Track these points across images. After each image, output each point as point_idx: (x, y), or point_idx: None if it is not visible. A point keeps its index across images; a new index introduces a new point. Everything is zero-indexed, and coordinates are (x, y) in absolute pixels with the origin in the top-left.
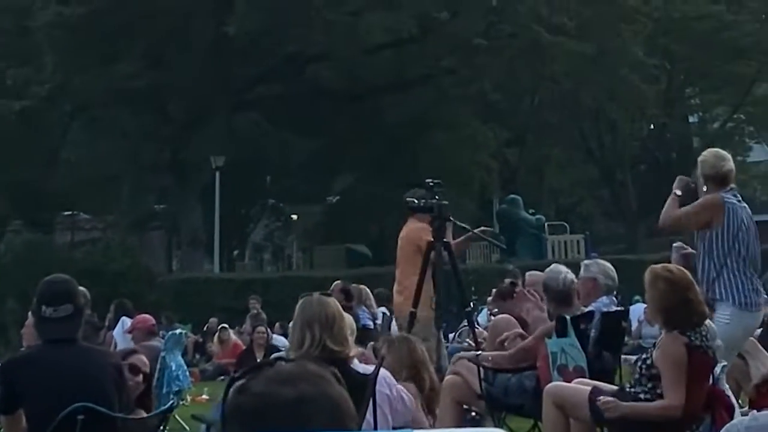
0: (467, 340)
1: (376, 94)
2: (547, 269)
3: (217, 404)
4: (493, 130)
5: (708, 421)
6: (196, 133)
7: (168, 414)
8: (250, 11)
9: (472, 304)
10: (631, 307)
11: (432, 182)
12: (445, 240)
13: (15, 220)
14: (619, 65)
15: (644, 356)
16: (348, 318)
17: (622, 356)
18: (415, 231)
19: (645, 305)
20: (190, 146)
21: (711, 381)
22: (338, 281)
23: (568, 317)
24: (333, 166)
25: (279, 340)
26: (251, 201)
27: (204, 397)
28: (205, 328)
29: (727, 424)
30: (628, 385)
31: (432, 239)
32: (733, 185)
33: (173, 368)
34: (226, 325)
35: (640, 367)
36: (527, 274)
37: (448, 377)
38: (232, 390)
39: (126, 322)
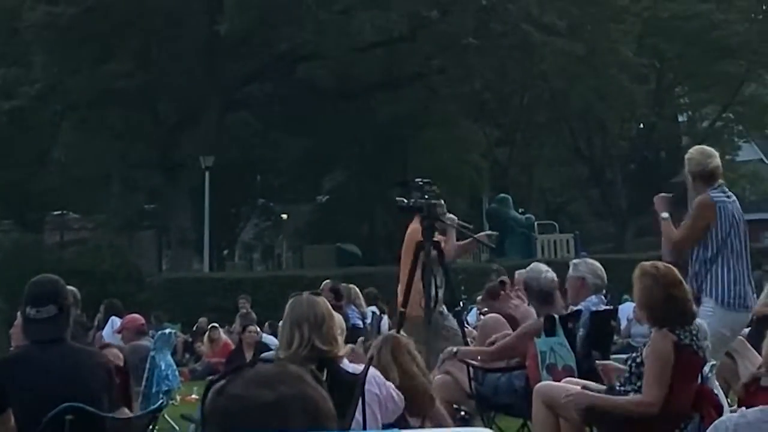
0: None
1: (367, 93)
2: (528, 268)
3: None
4: (483, 130)
5: (696, 420)
6: (187, 133)
7: (157, 413)
8: (240, 10)
9: (461, 303)
10: (620, 306)
11: (422, 181)
12: (434, 239)
13: (4, 220)
14: (608, 65)
15: (634, 355)
16: (338, 317)
17: (611, 355)
18: (417, 230)
19: (634, 304)
20: (180, 146)
21: (700, 380)
22: (328, 281)
23: (556, 316)
24: (323, 165)
25: (268, 339)
26: (241, 200)
27: (193, 396)
28: (194, 328)
29: (716, 421)
30: (618, 384)
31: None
32: (720, 181)
33: (162, 368)
34: (216, 325)
35: (630, 366)
36: (516, 272)
37: (438, 377)
38: (211, 392)
39: (115, 321)
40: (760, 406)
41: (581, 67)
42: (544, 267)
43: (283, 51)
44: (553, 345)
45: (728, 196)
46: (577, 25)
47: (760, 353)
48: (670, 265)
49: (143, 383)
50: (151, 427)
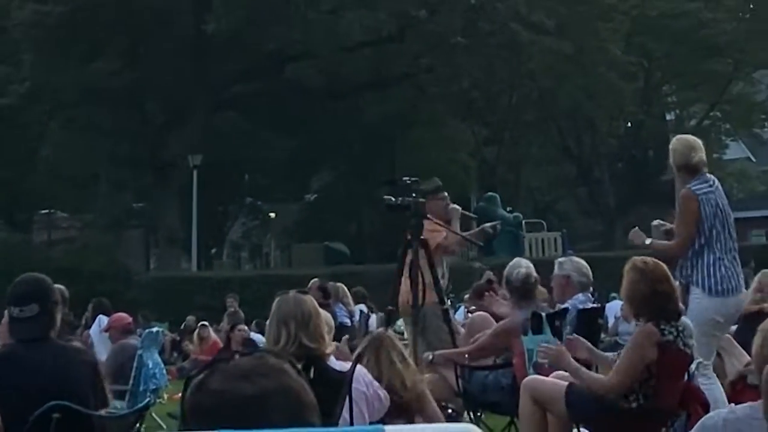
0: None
1: (355, 93)
2: (509, 264)
3: None
4: (471, 128)
5: (683, 417)
6: (175, 132)
7: (144, 412)
8: (228, 9)
9: (449, 301)
10: (608, 304)
11: (409, 180)
12: (422, 237)
13: None
14: (596, 63)
15: (620, 352)
16: (326, 315)
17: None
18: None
19: (622, 302)
20: (168, 145)
21: (687, 378)
22: (316, 279)
23: (543, 314)
24: (311, 164)
25: (256, 337)
26: (229, 199)
27: (181, 395)
28: (182, 327)
29: (705, 417)
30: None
31: (434, 230)
32: (704, 170)
33: (150, 366)
34: (206, 323)
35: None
36: (505, 271)
37: (425, 375)
38: (190, 387)
39: (103, 320)
40: (749, 403)
41: (569, 66)
42: (524, 262)
43: (271, 50)
44: (540, 343)
45: (710, 185)
46: (566, 24)
47: (747, 350)
48: (659, 261)
49: (131, 381)
50: (138, 425)
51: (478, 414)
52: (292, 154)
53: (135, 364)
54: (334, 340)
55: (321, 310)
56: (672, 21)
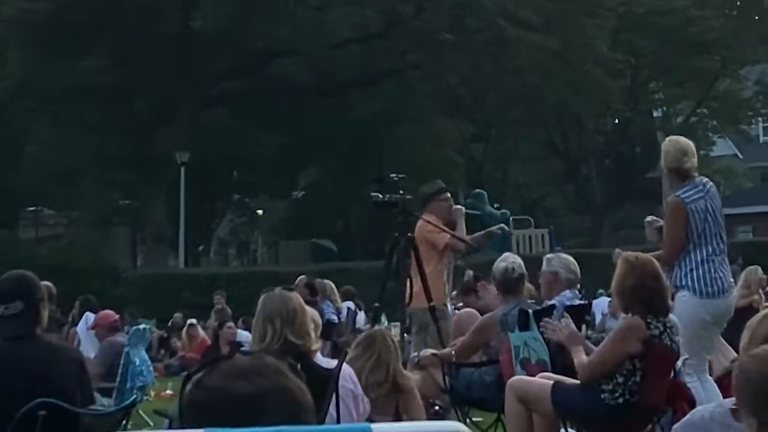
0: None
1: (343, 90)
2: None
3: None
4: (458, 125)
5: (669, 414)
6: (162, 129)
7: (131, 409)
8: (216, 6)
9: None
10: (595, 301)
11: (396, 177)
12: (409, 234)
13: None
14: (584, 60)
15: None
16: (312, 312)
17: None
18: (421, 226)
19: (609, 299)
20: (155, 142)
21: (673, 374)
22: (303, 276)
23: (530, 311)
24: (299, 161)
25: (242, 335)
26: (216, 196)
27: (168, 392)
28: (169, 324)
29: (693, 410)
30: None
31: (440, 230)
32: (694, 174)
33: (137, 363)
34: (194, 322)
35: None
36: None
37: (412, 372)
38: (189, 384)
39: (90, 317)
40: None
41: (556, 63)
42: (511, 257)
43: (259, 47)
44: (527, 340)
45: (700, 190)
46: (553, 21)
47: (735, 346)
48: (651, 258)
49: (117, 379)
50: (124, 422)
51: (466, 411)
52: (280, 151)
53: (122, 362)
54: (321, 337)
55: (307, 307)
56: (659, 18)
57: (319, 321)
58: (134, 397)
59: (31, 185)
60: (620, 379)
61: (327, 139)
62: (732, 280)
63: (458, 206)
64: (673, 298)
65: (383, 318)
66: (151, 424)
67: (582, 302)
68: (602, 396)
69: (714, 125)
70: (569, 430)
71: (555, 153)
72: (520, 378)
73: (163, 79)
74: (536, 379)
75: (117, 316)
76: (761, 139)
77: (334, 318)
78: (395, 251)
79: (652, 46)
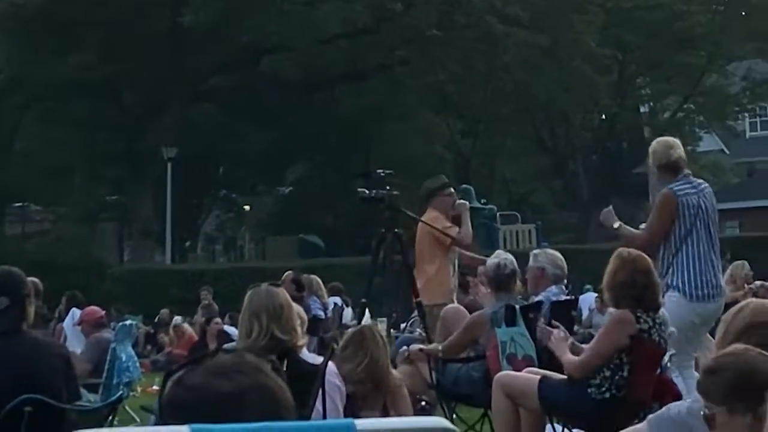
0: (418, 329)
1: (331, 85)
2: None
3: None
4: (446, 121)
5: (656, 409)
6: (151, 124)
7: (117, 405)
8: (205, 2)
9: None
10: (582, 296)
11: (383, 173)
12: (395, 231)
13: None
14: (571, 56)
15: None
16: (297, 308)
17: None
18: (432, 219)
19: (596, 294)
20: (143, 137)
21: (660, 370)
22: (289, 271)
23: (517, 306)
24: (286, 156)
25: (229, 330)
26: (203, 192)
27: (155, 387)
28: (156, 319)
29: (669, 404)
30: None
31: (447, 226)
32: (687, 171)
33: (123, 359)
34: (178, 321)
35: None
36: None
37: (400, 367)
38: (169, 382)
39: (76, 313)
40: None
41: (545, 59)
42: (503, 254)
43: (247, 43)
44: (514, 335)
45: (694, 187)
46: (541, 17)
47: None
48: (644, 255)
49: (104, 375)
50: (110, 417)
51: (452, 406)
52: (268, 146)
53: (108, 357)
54: (308, 332)
55: (293, 303)
56: (646, 13)
57: (305, 317)
58: (120, 393)
59: (18, 181)
60: (607, 374)
61: (315, 135)
62: (723, 283)
63: (462, 201)
64: (664, 295)
65: (367, 314)
66: (138, 420)
67: (568, 298)
68: (589, 391)
69: (701, 121)
70: (555, 425)
71: (542, 149)
72: (506, 373)
73: (152, 74)
74: (523, 374)
75: (103, 312)
76: (748, 134)
77: (321, 314)
78: (382, 247)
79: (639, 42)
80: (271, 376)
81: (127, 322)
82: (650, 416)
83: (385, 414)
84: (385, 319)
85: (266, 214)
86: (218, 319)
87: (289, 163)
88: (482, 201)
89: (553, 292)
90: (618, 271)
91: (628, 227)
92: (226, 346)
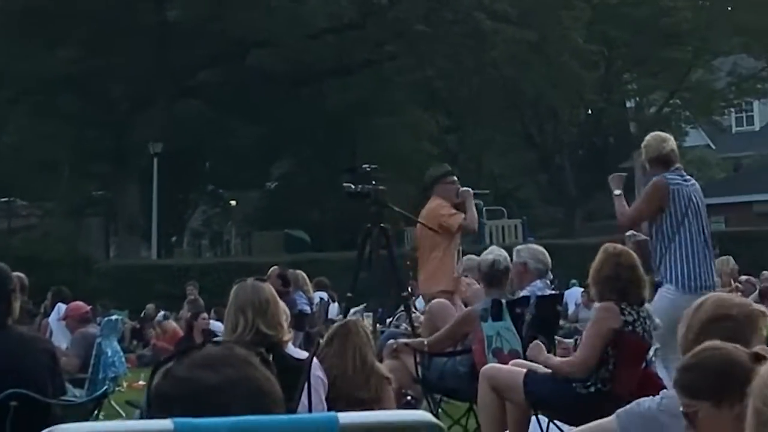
0: (404, 324)
1: (318, 80)
2: (484, 251)
3: None
4: (433, 117)
5: None
6: (137, 119)
7: (103, 399)
8: None
9: (409, 288)
10: (568, 291)
11: (369, 167)
12: (382, 225)
13: None
14: (559, 52)
15: (581, 336)
16: (281, 304)
17: (557, 339)
18: (432, 210)
19: (582, 289)
20: (130, 132)
21: (645, 364)
22: (275, 267)
23: (503, 301)
24: (273, 151)
25: (215, 325)
26: (189, 187)
27: (140, 382)
28: (142, 315)
29: (639, 400)
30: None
31: (453, 213)
32: (678, 165)
33: (109, 354)
34: (161, 318)
35: (576, 345)
36: (464, 258)
37: (386, 362)
38: (157, 374)
39: (62, 308)
40: None
41: (533, 55)
42: (496, 250)
43: (234, 38)
44: (500, 329)
45: (686, 180)
46: (529, 13)
47: None
48: (630, 251)
49: (89, 369)
50: (96, 412)
51: (438, 401)
52: (254, 141)
53: (94, 352)
54: (294, 327)
55: (278, 299)
56: (632, 9)
57: (288, 312)
58: (106, 387)
59: (3, 176)
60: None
61: (301, 130)
62: (717, 279)
63: (466, 188)
64: (656, 289)
65: (359, 308)
66: (123, 414)
67: (553, 292)
68: (573, 385)
69: (687, 116)
70: (541, 418)
71: (530, 144)
72: (492, 366)
73: (138, 69)
74: (509, 367)
75: (88, 308)
76: (734, 129)
77: (307, 308)
78: (368, 242)
79: (625, 37)
80: (259, 368)
81: (113, 317)
82: (619, 411)
83: (370, 408)
84: (371, 313)
85: (252, 209)
86: (205, 315)
87: (275, 158)
88: None
89: (538, 287)
90: (603, 266)
91: (623, 201)
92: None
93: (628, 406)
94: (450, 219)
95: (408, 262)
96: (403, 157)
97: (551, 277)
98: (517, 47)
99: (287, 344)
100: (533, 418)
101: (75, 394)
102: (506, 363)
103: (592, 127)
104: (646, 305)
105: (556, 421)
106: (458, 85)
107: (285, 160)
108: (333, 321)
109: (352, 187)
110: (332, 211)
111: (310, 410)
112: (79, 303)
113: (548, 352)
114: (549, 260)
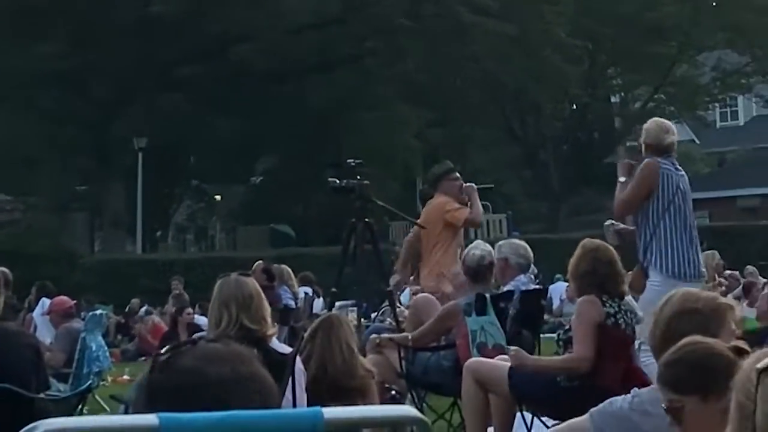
0: (389, 319)
1: (300, 75)
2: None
3: (137, 383)
4: (416, 111)
5: None
6: (120, 114)
7: (87, 394)
8: None
9: (391, 281)
10: (552, 286)
11: (353, 162)
12: (366, 220)
13: None
14: (542, 46)
15: (566, 328)
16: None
17: (543, 334)
18: (437, 205)
19: (567, 284)
20: (113, 127)
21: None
22: (260, 261)
23: (487, 296)
24: (257, 146)
25: (199, 320)
26: (174, 181)
27: (125, 377)
28: (127, 309)
29: (610, 399)
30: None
31: (459, 207)
32: (674, 155)
33: (93, 349)
34: (145, 311)
35: (560, 340)
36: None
37: (369, 356)
38: (156, 366)
39: (46, 303)
40: (653, 386)
41: (514, 49)
42: (481, 245)
43: (217, 33)
44: (484, 324)
45: (677, 169)
46: (511, 7)
47: None
48: (608, 246)
49: (74, 364)
50: (80, 407)
51: (422, 395)
52: (238, 136)
53: (78, 347)
54: (279, 322)
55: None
56: (617, 4)
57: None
58: (90, 382)
59: None
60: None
61: (285, 125)
62: (704, 269)
63: (469, 184)
64: (646, 275)
65: (347, 303)
66: (107, 409)
67: (537, 287)
68: (558, 379)
69: (671, 111)
70: (525, 413)
71: (513, 139)
72: (477, 359)
73: (120, 64)
74: (494, 360)
75: (72, 303)
76: (718, 124)
77: (292, 303)
78: (352, 236)
79: (609, 32)
80: (259, 365)
81: (98, 312)
82: (592, 410)
83: (353, 402)
84: (355, 308)
85: (237, 204)
86: (190, 310)
87: (259, 153)
88: None
89: (522, 282)
90: (580, 261)
91: (625, 188)
92: (196, 335)
93: (600, 406)
94: (456, 213)
95: (393, 258)
96: (386, 152)
97: (535, 271)
98: (499, 41)
99: (271, 339)
100: (517, 413)
101: (59, 389)
102: (491, 357)
103: (577, 122)
104: (627, 299)
105: (540, 415)
106: (440, 78)
107: (270, 155)
108: (318, 316)
109: (337, 181)
110: (317, 206)
111: (294, 405)
112: (64, 298)
113: (532, 346)
114: (531, 255)
